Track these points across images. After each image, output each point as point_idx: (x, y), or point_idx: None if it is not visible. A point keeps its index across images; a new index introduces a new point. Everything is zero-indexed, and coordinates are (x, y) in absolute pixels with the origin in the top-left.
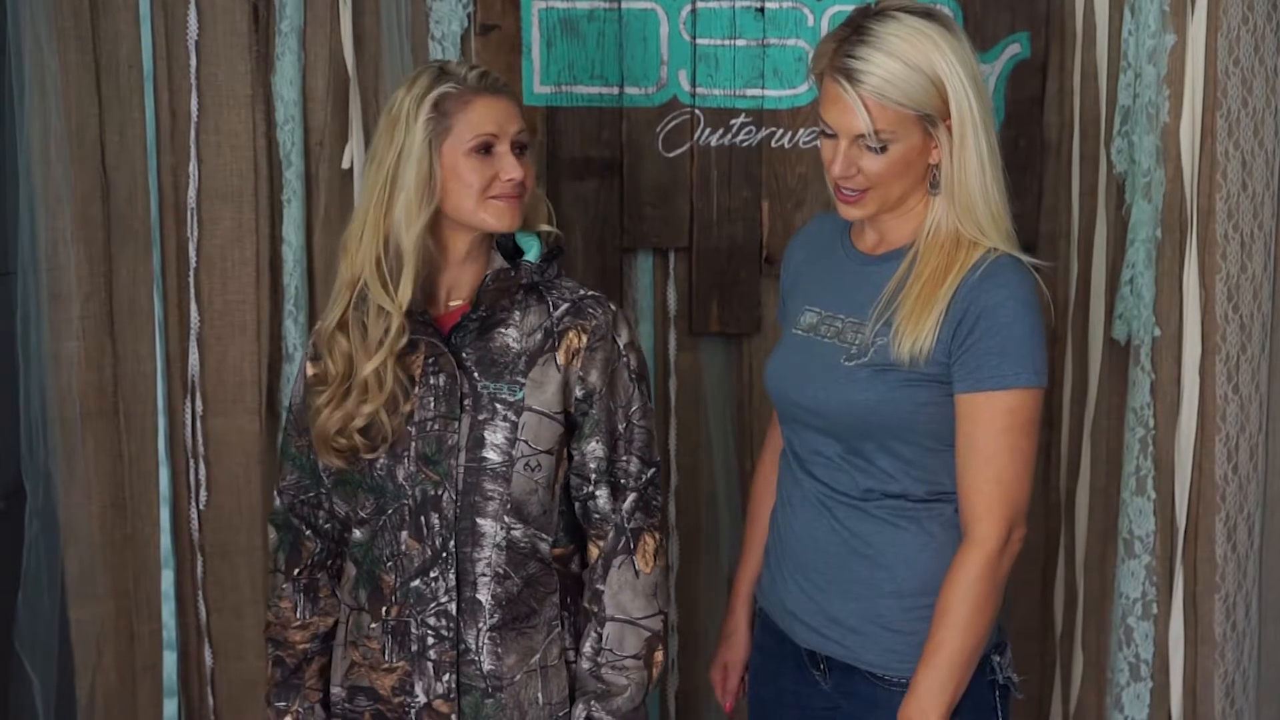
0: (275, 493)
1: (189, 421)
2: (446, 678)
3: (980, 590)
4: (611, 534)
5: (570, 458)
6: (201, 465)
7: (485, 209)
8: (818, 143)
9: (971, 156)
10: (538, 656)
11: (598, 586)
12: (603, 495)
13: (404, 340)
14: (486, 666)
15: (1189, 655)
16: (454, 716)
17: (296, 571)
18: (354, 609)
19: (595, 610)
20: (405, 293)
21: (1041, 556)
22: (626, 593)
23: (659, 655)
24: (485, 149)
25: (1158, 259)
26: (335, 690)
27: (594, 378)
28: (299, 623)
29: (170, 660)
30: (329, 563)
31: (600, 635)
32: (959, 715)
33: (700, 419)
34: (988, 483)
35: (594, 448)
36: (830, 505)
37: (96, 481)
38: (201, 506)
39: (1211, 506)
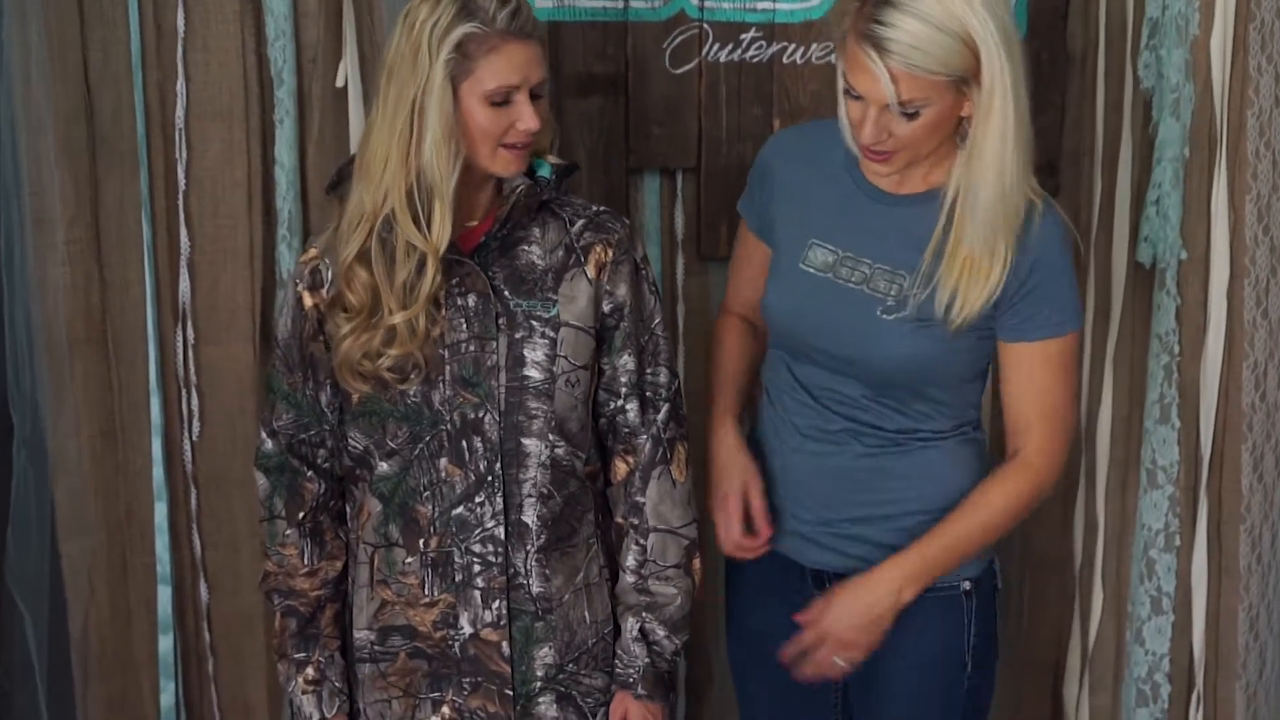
0: (264, 435)
1: (181, 350)
2: (496, 605)
3: (1018, 510)
4: (649, 445)
5: (601, 372)
6: (194, 395)
7: (495, 159)
8: (831, 58)
9: (994, 129)
10: (581, 575)
11: (637, 499)
12: (633, 409)
13: (438, 284)
14: (536, 589)
15: (1212, 588)
16: (505, 644)
17: (301, 516)
18: (381, 546)
19: (636, 523)
20: (443, 233)
21: (1061, 486)
22: (666, 503)
23: (697, 563)
24: (505, 99)
25: (1185, 178)
26: (361, 634)
27: (622, 291)
28: (307, 569)
29: (165, 595)
30: (331, 504)
31: (644, 547)
32: (976, 621)
33: (708, 346)
34: (1044, 418)
35: (625, 360)
36: (860, 437)
37: (86, 411)
38: (195, 437)
39: (1238, 435)
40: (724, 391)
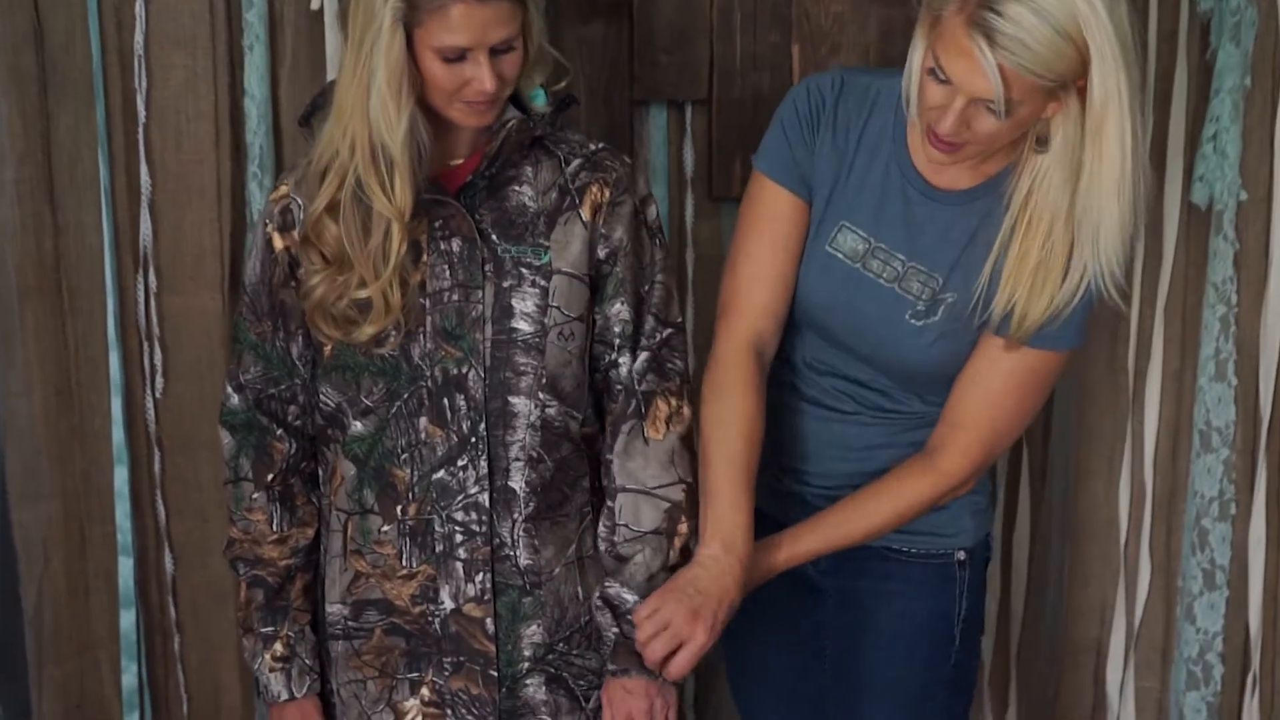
0: (229, 390)
1: (142, 299)
2: (480, 578)
3: (916, 511)
4: (621, 397)
5: (594, 323)
6: (157, 349)
7: (453, 109)
8: None
9: (1110, 147)
10: (574, 547)
11: (605, 457)
12: (625, 363)
13: (404, 252)
14: (524, 561)
15: (1270, 560)
16: (489, 621)
17: (270, 478)
18: (355, 513)
19: (606, 483)
20: (403, 198)
21: (1107, 448)
22: (637, 460)
23: (683, 526)
24: (458, 56)
25: (1245, 111)
26: (334, 608)
27: (618, 234)
28: (275, 536)
29: (126, 567)
30: (302, 465)
31: (613, 509)
32: (969, 591)
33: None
34: (981, 426)
35: (618, 310)
36: (865, 412)
37: (38, 368)
38: (158, 395)
39: None
40: (741, 497)
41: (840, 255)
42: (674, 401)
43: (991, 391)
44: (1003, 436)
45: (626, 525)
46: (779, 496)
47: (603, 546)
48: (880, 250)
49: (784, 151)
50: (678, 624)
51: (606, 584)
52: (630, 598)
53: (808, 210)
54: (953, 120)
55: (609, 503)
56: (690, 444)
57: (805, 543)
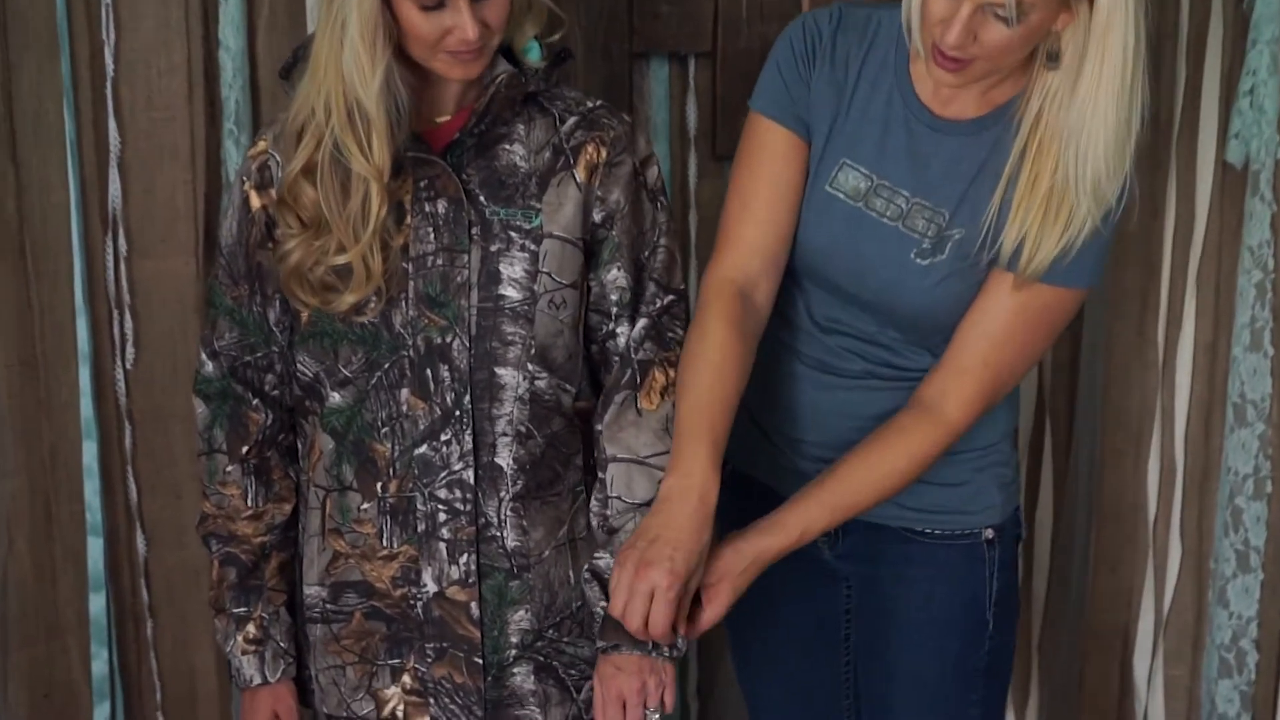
0: (203, 356)
1: (111, 264)
2: (464, 559)
3: (923, 468)
4: (616, 366)
5: (589, 291)
6: (127, 316)
7: (436, 61)
8: None
9: (1113, 55)
10: (565, 528)
11: (596, 427)
12: (623, 333)
13: (386, 212)
14: (511, 543)
15: None
16: (473, 605)
17: (245, 450)
18: (334, 490)
19: (597, 454)
20: (381, 157)
21: (1135, 423)
22: (629, 430)
23: None
24: (437, 4)
25: None
26: (312, 590)
27: (615, 196)
28: (250, 512)
29: (96, 547)
30: (280, 438)
31: (604, 481)
32: (1000, 571)
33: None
34: (985, 368)
35: (615, 276)
36: (884, 376)
37: (1, 337)
38: (129, 365)
39: None
40: (701, 430)
41: (841, 195)
42: (672, 372)
43: (998, 332)
44: (1006, 382)
45: (619, 497)
46: (785, 473)
47: (594, 521)
48: (883, 188)
49: (779, 89)
50: (627, 580)
51: (596, 556)
52: None
53: (805, 150)
54: (959, 30)
55: (600, 474)
56: None
57: (811, 517)
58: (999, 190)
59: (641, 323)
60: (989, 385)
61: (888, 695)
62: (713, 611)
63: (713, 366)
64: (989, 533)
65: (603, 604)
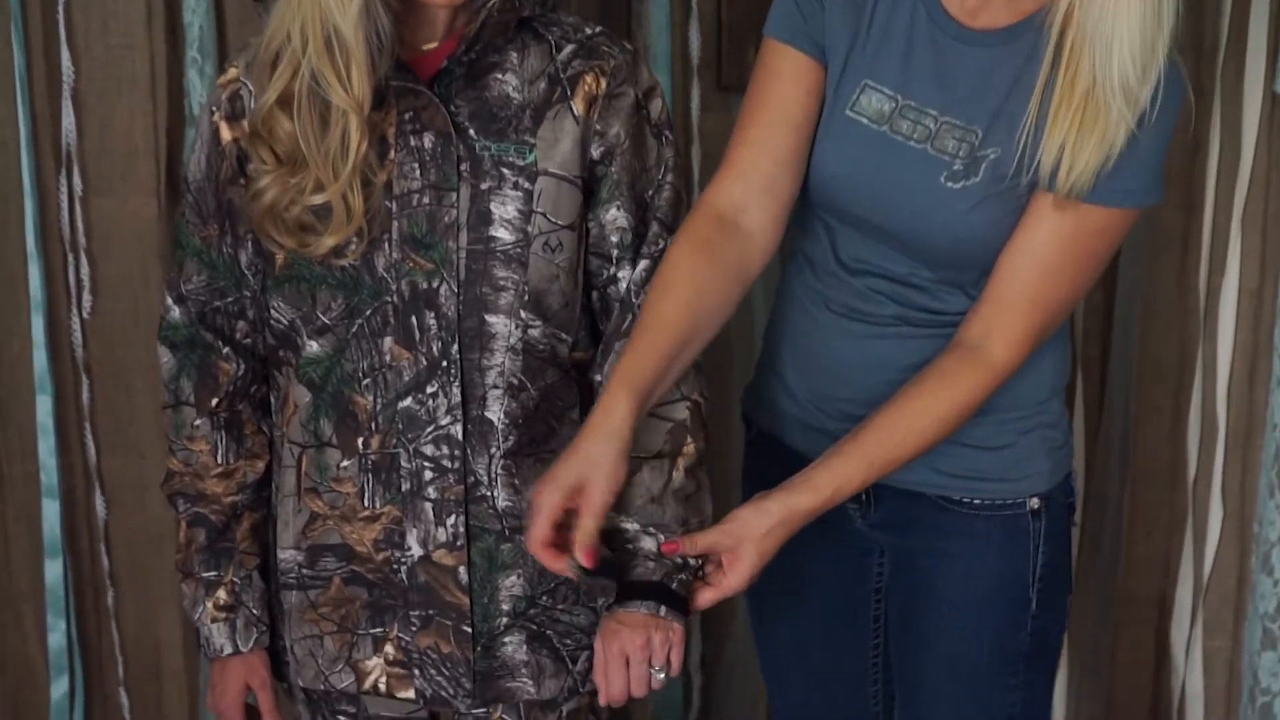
0: (169, 302)
1: (65, 204)
2: (452, 521)
3: (965, 416)
4: (616, 311)
5: (587, 233)
6: (84, 261)
7: None
8: None
9: None
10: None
11: (596, 378)
12: (625, 277)
13: (367, 147)
14: (502, 503)
15: None
16: (462, 570)
17: (214, 403)
18: (310, 446)
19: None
20: (361, 87)
21: (1173, 376)
22: None
23: (689, 447)
24: None
25: None
26: (287, 554)
27: (615, 131)
28: (220, 469)
29: (51, 511)
30: (252, 390)
31: None
32: (1046, 543)
33: None
34: (1032, 303)
35: (614, 216)
36: (917, 323)
37: None
38: (86, 314)
39: None
40: (640, 356)
41: (863, 119)
42: None
43: (1045, 262)
44: (1055, 318)
45: None
46: (814, 434)
47: None
48: (909, 109)
49: (789, 9)
50: (535, 505)
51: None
52: (628, 525)
53: (818, 72)
54: None
55: None
56: (697, 359)
57: (846, 473)
58: (1034, 102)
59: (644, 264)
60: (1036, 321)
61: (919, 679)
62: (736, 578)
63: (671, 295)
64: (1034, 502)
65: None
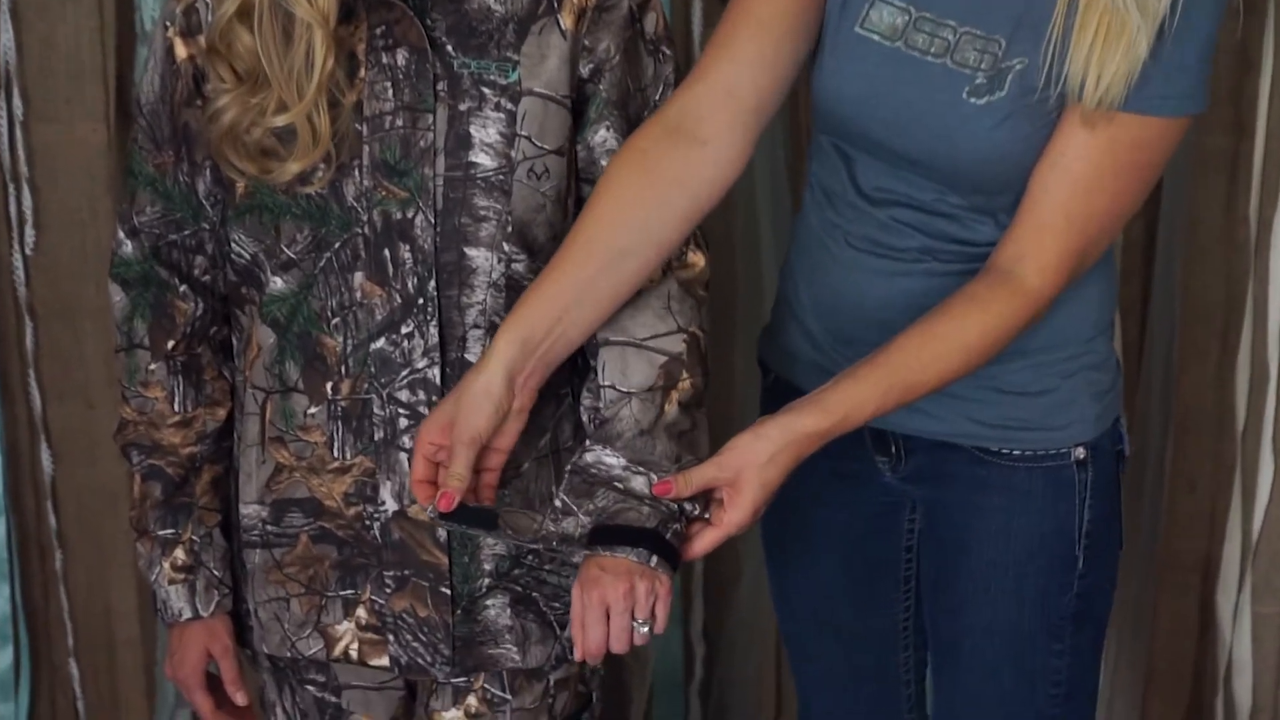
0: (121, 235)
1: (5, 130)
2: None
3: (998, 347)
4: None
5: (575, 158)
6: (26, 192)
7: None
8: None
9: None
10: (547, 438)
11: None
12: None
13: (334, 64)
14: None
15: None
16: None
17: (171, 345)
18: (275, 392)
19: (587, 343)
20: (327, 0)
21: (1220, 316)
22: (624, 311)
23: (685, 383)
24: None
25: None
26: (250, 510)
27: (604, 46)
28: (177, 417)
29: None
30: (212, 331)
31: (596, 369)
32: (1093, 497)
33: None
34: (1069, 224)
35: (604, 138)
36: (937, 255)
37: None
38: (29, 250)
39: None
40: (541, 283)
41: (875, 36)
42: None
43: (1082, 177)
44: (1095, 242)
45: (612, 385)
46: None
47: (584, 416)
48: (925, 20)
49: None
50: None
51: (584, 449)
52: (612, 460)
53: None
54: None
55: (590, 363)
56: (696, 290)
57: (859, 397)
58: (1059, 8)
59: None
60: (1075, 244)
61: (955, 646)
62: (738, 513)
63: (587, 214)
64: (1080, 452)
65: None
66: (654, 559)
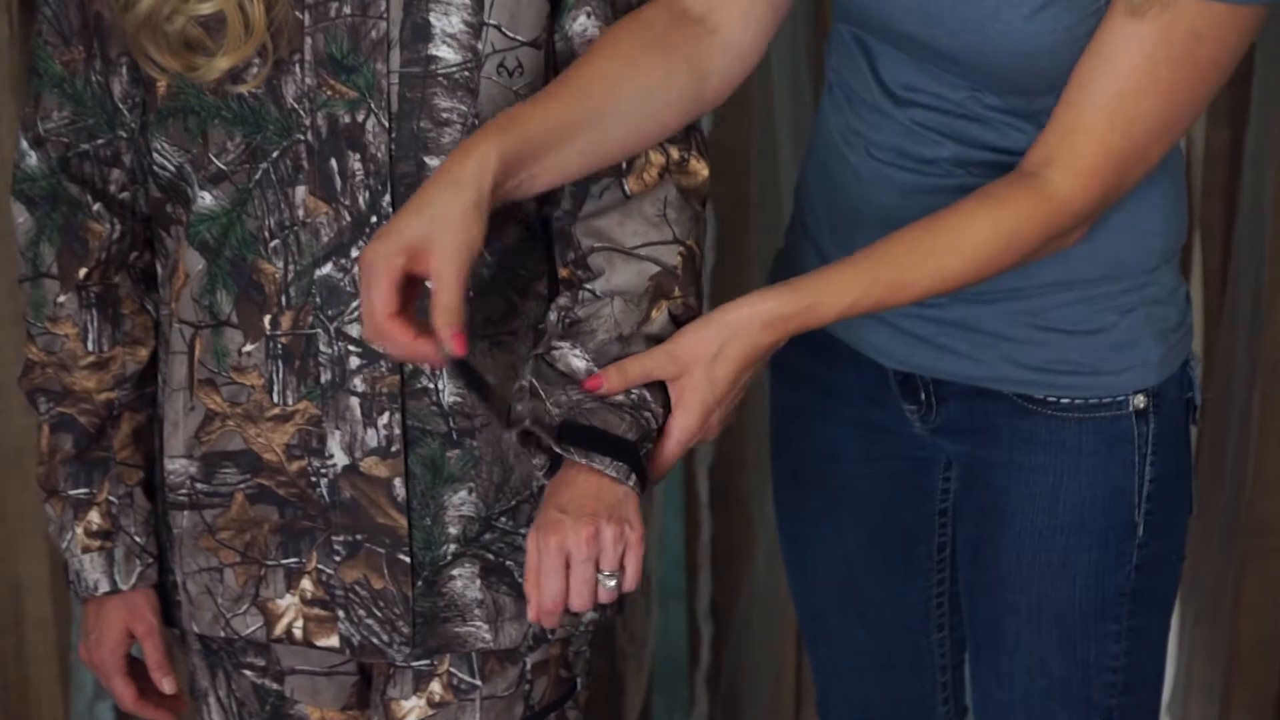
0: (24, 145)
1: None
2: (384, 420)
3: (1011, 252)
4: None
5: (553, 50)
6: None
7: None
8: None
9: None
10: (525, 380)
11: (566, 227)
12: None
13: None
14: (449, 398)
15: None
16: (398, 482)
17: (83, 274)
18: (205, 326)
19: (570, 256)
20: None
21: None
22: (611, 217)
23: (678, 297)
24: None
25: None
26: (176, 465)
27: None
28: (92, 358)
29: None
30: (131, 257)
31: (577, 279)
32: (1156, 451)
33: None
34: (1109, 126)
35: (584, 25)
36: (968, 165)
37: None
38: None
39: None
40: (528, 105)
41: None
42: (674, 151)
43: (1127, 74)
44: (1141, 149)
45: (591, 290)
46: (863, 318)
47: (553, 316)
48: None
49: None
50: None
51: (555, 347)
52: (579, 364)
53: None
54: None
55: (575, 270)
56: (694, 202)
57: (838, 284)
58: None
59: None
60: (1114, 148)
61: (996, 628)
62: (686, 416)
63: (583, 63)
64: (1139, 400)
65: (557, 409)
66: (633, 478)
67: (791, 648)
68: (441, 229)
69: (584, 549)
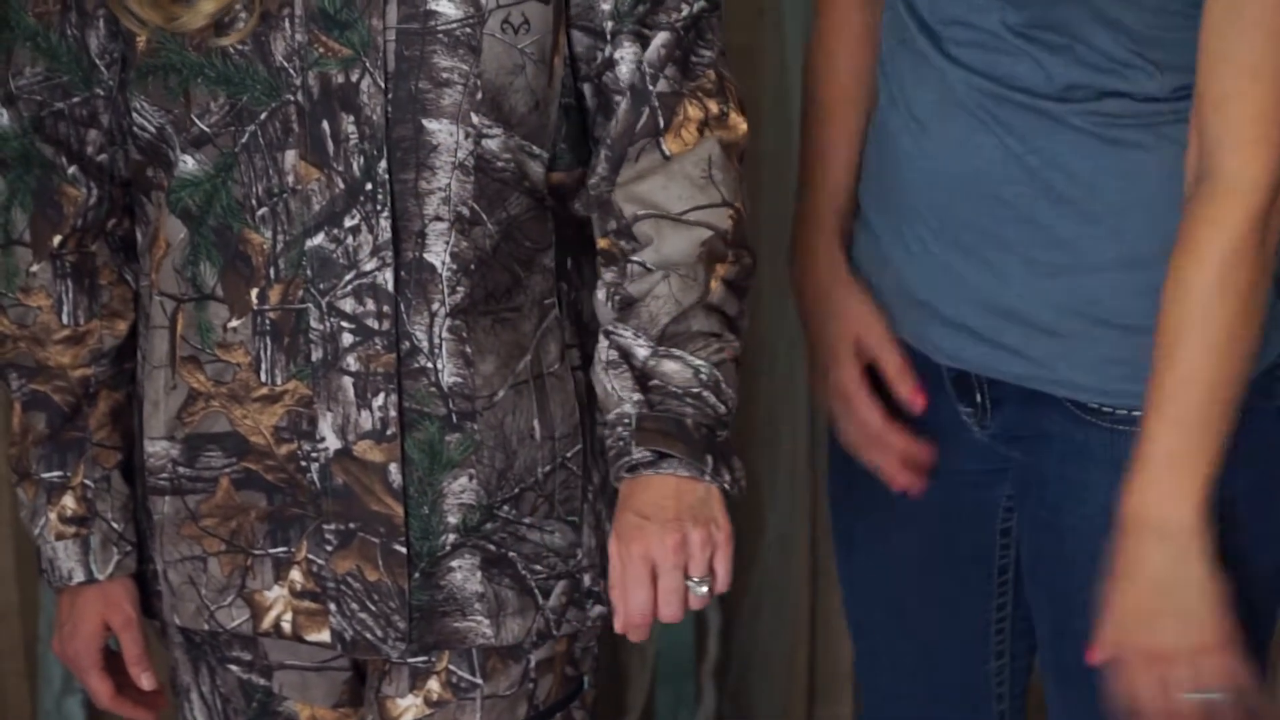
0: None
1: None
2: (380, 402)
3: (1241, 274)
4: (623, 106)
5: (566, 4)
6: None
7: None
8: None
9: None
10: (528, 360)
11: (604, 193)
12: (628, 58)
13: None
14: (449, 378)
15: None
16: (393, 468)
17: (58, 241)
18: (188, 300)
19: (614, 227)
20: None
21: None
22: (654, 181)
23: (726, 265)
24: None
25: None
26: (157, 447)
27: None
28: (67, 332)
29: None
30: (109, 224)
31: (623, 249)
32: (1238, 466)
33: None
34: (1256, 81)
35: None
36: (998, 111)
37: None
38: None
39: None
40: (824, 178)
41: None
42: (712, 104)
43: (1255, 25)
44: None
45: (642, 263)
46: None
47: (600, 295)
48: None
49: None
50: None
51: (617, 330)
52: (642, 350)
53: None
54: None
55: (619, 243)
56: (734, 158)
57: (1162, 448)
58: None
59: (661, 38)
60: (1272, 98)
61: (1059, 656)
62: None
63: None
64: None
65: (637, 397)
66: (709, 470)
67: (804, 639)
68: (864, 320)
69: (671, 557)
